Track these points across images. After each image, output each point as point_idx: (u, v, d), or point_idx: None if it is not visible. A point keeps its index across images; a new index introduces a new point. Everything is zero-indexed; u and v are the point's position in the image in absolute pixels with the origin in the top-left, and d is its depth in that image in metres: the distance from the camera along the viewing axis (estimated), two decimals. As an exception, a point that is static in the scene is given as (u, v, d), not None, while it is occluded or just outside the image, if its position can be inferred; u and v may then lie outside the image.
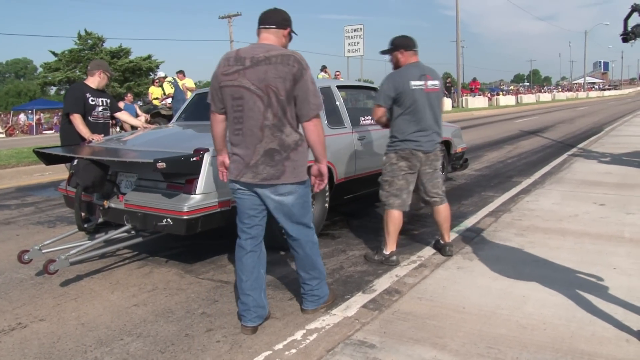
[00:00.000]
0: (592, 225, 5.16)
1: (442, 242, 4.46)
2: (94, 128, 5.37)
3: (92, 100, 5.43)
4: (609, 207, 5.85)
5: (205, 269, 4.32)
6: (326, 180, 3.20)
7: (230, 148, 3.12)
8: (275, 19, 3.10)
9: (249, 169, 3.00)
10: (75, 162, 4.45)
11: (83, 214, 4.53)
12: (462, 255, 4.37)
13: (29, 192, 8.40)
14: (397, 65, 4.26)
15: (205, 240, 5.03)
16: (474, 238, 4.84)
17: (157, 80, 17.26)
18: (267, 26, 3.09)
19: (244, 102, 2.95)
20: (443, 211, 4.43)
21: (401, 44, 4.24)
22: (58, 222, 6.18)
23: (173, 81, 15.80)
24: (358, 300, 3.51)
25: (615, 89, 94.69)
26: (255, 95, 2.92)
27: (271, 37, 3.08)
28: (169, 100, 16.21)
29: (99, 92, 5.56)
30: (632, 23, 9.74)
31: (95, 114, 5.48)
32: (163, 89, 16.10)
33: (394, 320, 3.19)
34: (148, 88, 36.99)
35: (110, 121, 5.91)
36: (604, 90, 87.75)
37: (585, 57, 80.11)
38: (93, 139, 5.13)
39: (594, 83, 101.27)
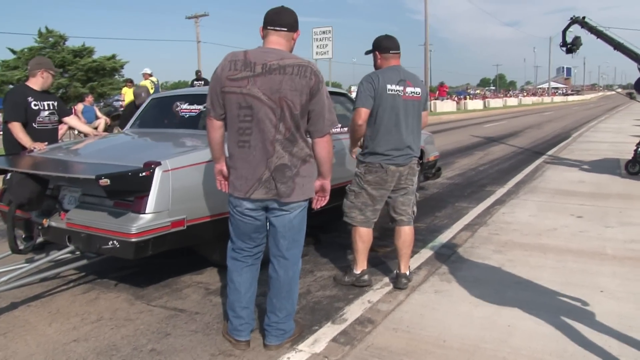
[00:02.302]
0: (573, 240, 4.92)
1: (397, 271, 3.94)
2: (40, 135, 4.82)
3: (35, 105, 4.87)
4: (587, 220, 5.64)
5: (158, 294, 3.90)
6: (328, 197, 3.02)
7: (231, 161, 2.83)
8: (287, 20, 2.80)
9: (261, 185, 2.76)
10: (9, 175, 3.97)
11: (21, 232, 4.05)
12: (439, 277, 4.05)
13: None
14: (376, 67, 3.88)
15: (161, 259, 4.59)
16: (450, 255, 4.54)
17: (130, 81, 16.61)
18: (277, 28, 2.78)
19: (254, 112, 2.68)
20: (407, 234, 3.93)
21: (379, 45, 3.84)
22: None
23: (156, 82, 15.21)
24: (327, 333, 3.14)
25: (578, 94, 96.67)
26: (267, 107, 2.67)
27: (282, 40, 2.80)
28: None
29: (43, 95, 4.99)
30: (570, 35, 9.84)
31: (41, 119, 4.90)
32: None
33: (368, 358, 2.83)
34: (112, 89, 36.23)
35: (59, 125, 5.35)
36: (568, 95, 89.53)
37: (549, 62, 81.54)
38: (35, 148, 4.57)
39: (557, 88, 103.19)
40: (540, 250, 4.60)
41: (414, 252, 4.66)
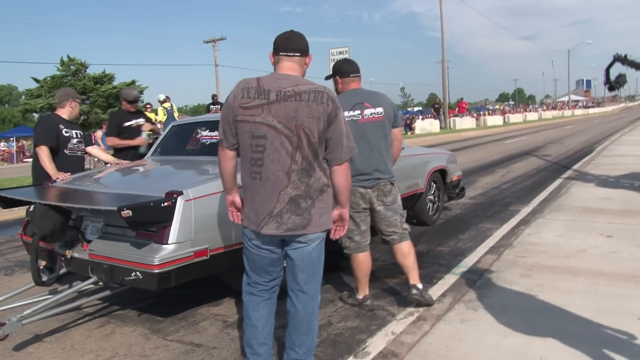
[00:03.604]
0: (604, 262, 4.71)
1: (409, 283, 3.86)
2: (69, 162, 4.88)
3: (67, 132, 4.94)
4: (618, 239, 5.42)
5: (174, 327, 3.80)
6: (347, 227, 2.91)
7: (245, 193, 2.73)
8: (299, 45, 2.73)
9: (273, 219, 2.62)
10: (32, 207, 3.96)
11: (44, 263, 4.02)
12: (464, 304, 3.88)
13: (-8, 232, 7.82)
14: (337, 92, 3.84)
15: (178, 290, 4.50)
16: (476, 281, 4.37)
17: (148, 105, 16.74)
18: (290, 54, 2.70)
19: (268, 142, 2.57)
20: (403, 248, 3.86)
21: (339, 69, 3.82)
22: (17, 268, 5.62)
23: (169, 108, 15.29)
24: (350, 368, 3.01)
25: (599, 106, 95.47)
26: (283, 136, 2.56)
27: (295, 66, 2.72)
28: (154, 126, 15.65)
29: (71, 124, 5.08)
30: (614, 71, 9.72)
31: (72, 146, 4.97)
32: (156, 114, 15.57)
33: (393, 397, 2.69)
34: (132, 114, 36.73)
35: (84, 152, 5.34)
36: (588, 107, 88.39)
37: (569, 75, 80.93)
38: (58, 178, 4.59)
39: (577, 101, 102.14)
40: (569, 274, 4.41)
41: (437, 277, 4.54)
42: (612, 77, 9.48)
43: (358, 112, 3.70)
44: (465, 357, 3.06)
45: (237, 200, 2.85)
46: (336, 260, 5.11)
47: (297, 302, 2.81)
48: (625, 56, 9.19)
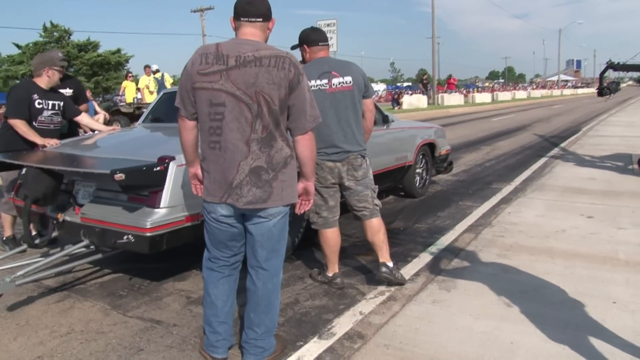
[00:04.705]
0: (582, 243, 4.61)
1: (379, 261, 3.73)
2: (40, 135, 4.60)
3: (39, 104, 4.66)
4: (598, 220, 5.33)
5: (136, 303, 3.64)
6: (312, 201, 2.79)
7: (204, 163, 2.60)
8: (262, 9, 2.56)
9: (232, 190, 2.50)
10: (24, 170, 3.93)
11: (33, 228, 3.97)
12: (438, 284, 3.76)
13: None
14: (304, 61, 3.66)
15: (143, 263, 4.35)
16: (451, 260, 4.25)
17: (130, 75, 16.42)
18: (252, 19, 2.54)
19: (227, 110, 2.44)
20: (373, 225, 3.71)
21: (307, 38, 3.62)
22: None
23: (160, 78, 15.01)
24: (312, 350, 2.88)
25: (588, 87, 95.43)
26: (242, 103, 2.43)
27: (257, 32, 2.57)
28: (139, 96, 15.41)
29: (50, 94, 4.77)
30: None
31: (42, 118, 4.69)
32: (137, 83, 15.29)
33: (354, 381, 2.57)
34: (117, 83, 36.11)
35: (60, 125, 5.04)
36: (578, 87, 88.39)
37: (559, 54, 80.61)
38: (47, 145, 4.45)
39: (567, 80, 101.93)
40: (547, 255, 4.31)
41: (412, 256, 4.42)
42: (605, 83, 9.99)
43: (325, 81, 3.52)
44: (433, 340, 2.94)
45: (199, 172, 2.71)
46: (309, 237, 4.96)
47: (256, 280, 2.68)
48: (618, 63, 9.49)
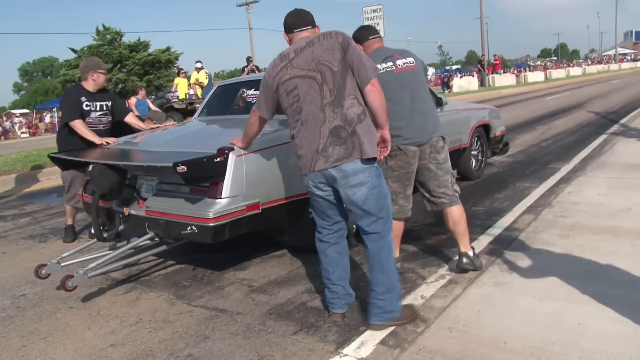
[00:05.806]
0: (650, 221, 4.43)
1: (458, 252, 3.65)
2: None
3: (87, 106, 4.94)
4: (666, 197, 5.10)
5: (199, 293, 3.75)
6: (389, 147, 3.09)
7: (295, 147, 2.95)
8: (309, 19, 3.01)
9: (320, 155, 2.82)
10: (90, 167, 4.13)
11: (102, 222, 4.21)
12: (499, 267, 3.71)
13: (29, 200, 7.97)
14: None
15: (204, 253, 4.47)
16: (511, 242, 4.17)
17: (182, 71, 16.83)
18: (303, 28, 2.98)
19: (299, 90, 2.85)
20: (454, 213, 3.61)
21: (359, 37, 3.66)
22: (51, 235, 5.68)
23: (209, 72, 15.40)
24: (375, 334, 2.89)
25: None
26: (308, 78, 2.82)
27: (309, 35, 2.98)
28: (192, 91, 15.76)
29: (97, 95, 5.02)
30: None
31: (90, 120, 4.96)
32: (189, 80, 15.68)
33: (419, 364, 2.57)
34: (168, 80, 36.95)
35: (109, 125, 5.17)
36: (637, 60, 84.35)
37: (616, 26, 77.12)
38: (106, 143, 4.73)
39: (625, 54, 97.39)
40: (612, 234, 4.16)
41: (471, 239, 4.32)
42: None
43: (390, 63, 3.51)
44: (498, 323, 2.91)
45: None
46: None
47: (367, 242, 2.95)
48: None
